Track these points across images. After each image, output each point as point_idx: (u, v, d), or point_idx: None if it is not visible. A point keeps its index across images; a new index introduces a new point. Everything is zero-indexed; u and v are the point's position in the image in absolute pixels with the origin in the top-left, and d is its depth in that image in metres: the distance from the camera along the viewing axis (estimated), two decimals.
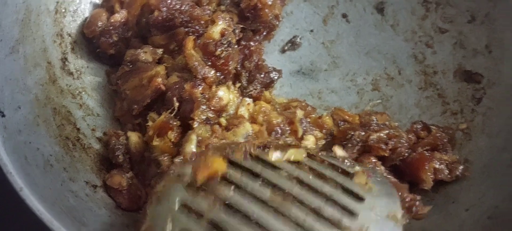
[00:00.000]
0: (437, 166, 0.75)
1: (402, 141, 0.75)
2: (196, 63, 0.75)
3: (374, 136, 0.76)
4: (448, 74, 0.89)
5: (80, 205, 0.67)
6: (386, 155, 0.75)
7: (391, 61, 0.92)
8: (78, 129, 0.79)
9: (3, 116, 0.68)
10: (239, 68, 0.82)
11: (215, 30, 0.78)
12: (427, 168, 0.73)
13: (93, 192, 0.72)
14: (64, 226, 0.59)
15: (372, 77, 0.92)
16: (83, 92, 0.83)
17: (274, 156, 0.61)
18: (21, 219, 0.80)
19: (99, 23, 0.85)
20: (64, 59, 0.84)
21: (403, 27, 0.94)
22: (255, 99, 0.81)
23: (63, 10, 0.87)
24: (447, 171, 0.75)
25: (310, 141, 0.75)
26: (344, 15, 0.97)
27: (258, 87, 0.82)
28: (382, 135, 0.76)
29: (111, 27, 0.84)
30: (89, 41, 0.88)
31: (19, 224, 0.81)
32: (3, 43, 0.74)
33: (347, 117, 0.82)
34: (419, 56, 0.92)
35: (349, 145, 0.75)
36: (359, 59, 0.93)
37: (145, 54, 0.81)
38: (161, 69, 0.78)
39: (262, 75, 0.83)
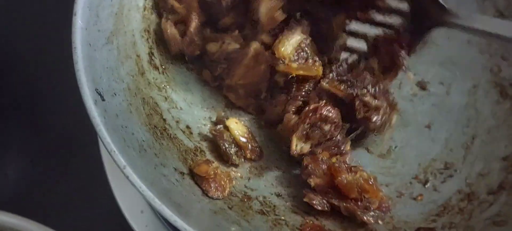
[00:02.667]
0: None
1: None
2: None
3: None
4: None
5: (173, 188, 0.70)
6: None
7: (465, 72, 0.93)
8: (165, 120, 0.82)
9: (103, 100, 0.71)
10: None
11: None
12: None
13: (182, 178, 0.74)
14: (165, 205, 0.61)
15: (446, 87, 0.93)
16: (167, 86, 0.87)
17: None
18: None
19: (178, 42, 0.88)
20: (150, 54, 0.88)
21: (478, 39, 0.95)
22: None
23: (150, 7, 0.91)
24: None
25: None
26: None
27: None
28: None
29: (194, 37, 0.88)
30: None
31: None
32: (100, 34, 0.77)
33: None
34: (494, 68, 0.92)
35: None
36: (433, 68, 0.95)
37: (229, 45, 0.84)
38: (255, 44, 0.82)
39: None
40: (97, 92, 0.71)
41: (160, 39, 0.91)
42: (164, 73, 0.88)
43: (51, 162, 1.10)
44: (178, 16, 0.90)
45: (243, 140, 0.84)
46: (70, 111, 1.06)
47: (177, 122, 0.84)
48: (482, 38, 0.94)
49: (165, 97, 0.85)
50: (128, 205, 0.91)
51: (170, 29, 0.89)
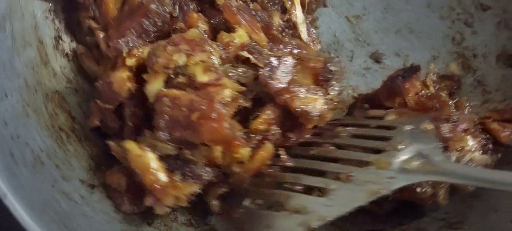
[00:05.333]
0: None
1: None
2: None
3: None
4: (490, 59, 0.79)
5: (74, 210, 0.60)
6: None
7: (424, 41, 0.83)
8: (73, 118, 0.70)
9: None
10: None
11: None
12: None
13: (90, 193, 0.64)
14: None
15: (403, 59, 0.82)
16: (78, 75, 0.75)
17: None
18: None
19: None
20: (57, 38, 0.75)
21: (439, 2, 0.83)
22: None
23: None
24: None
25: None
26: None
27: None
28: None
29: None
30: None
31: None
32: None
33: None
34: (456, 37, 0.82)
35: None
36: (388, 38, 0.84)
37: None
38: None
39: None
40: None
41: (71, 18, 0.78)
42: (75, 60, 0.76)
43: None
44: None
45: None
46: None
47: (90, 118, 0.72)
48: (444, 1, 0.83)
49: (76, 90, 0.73)
50: None
51: None
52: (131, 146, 0.61)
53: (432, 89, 0.73)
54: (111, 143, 0.64)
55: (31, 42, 0.71)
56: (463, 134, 0.63)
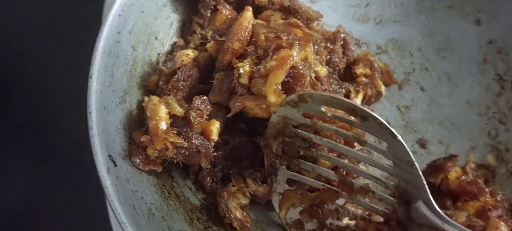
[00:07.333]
0: None
1: None
2: None
3: None
4: None
5: None
6: None
7: (464, 134, 0.96)
8: (172, 177, 0.85)
9: (115, 165, 0.75)
10: None
11: None
12: None
13: None
14: None
15: (445, 147, 0.96)
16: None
17: None
18: None
19: None
20: None
21: (477, 101, 0.98)
22: None
23: (162, 62, 0.94)
24: None
25: None
26: (419, 83, 1.02)
27: None
28: None
29: None
30: None
31: None
32: (114, 94, 0.81)
33: None
34: (492, 132, 0.95)
35: None
36: (433, 127, 0.98)
37: None
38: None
39: None
40: (110, 158, 0.74)
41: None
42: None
43: (54, 190, 1.13)
44: None
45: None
46: (74, 140, 1.11)
47: (184, 178, 0.87)
48: (482, 100, 0.97)
49: None
50: None
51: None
52: (154, 97, 0.80)
53: (470, 176, 0.87)
54: (146, 97, 0.81)
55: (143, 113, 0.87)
56: (497, 220, 0.76)
